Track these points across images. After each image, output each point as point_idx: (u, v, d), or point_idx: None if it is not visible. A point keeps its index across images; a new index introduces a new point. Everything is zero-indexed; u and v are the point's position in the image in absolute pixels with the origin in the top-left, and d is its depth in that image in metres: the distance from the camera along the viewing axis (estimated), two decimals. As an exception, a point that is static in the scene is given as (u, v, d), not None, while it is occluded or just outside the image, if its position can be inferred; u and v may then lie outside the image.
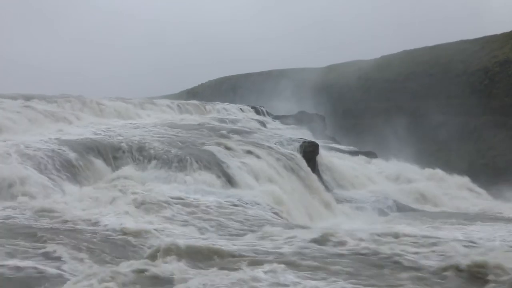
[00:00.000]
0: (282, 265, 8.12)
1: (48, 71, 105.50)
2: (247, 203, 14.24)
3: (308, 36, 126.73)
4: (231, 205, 13.78)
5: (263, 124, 32.75)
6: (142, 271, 7.75)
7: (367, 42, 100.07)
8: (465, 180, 28.04)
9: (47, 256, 8.55)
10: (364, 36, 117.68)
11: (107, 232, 10.25)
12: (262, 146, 20.39)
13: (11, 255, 8.34)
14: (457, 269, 7.95)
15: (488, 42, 42.23)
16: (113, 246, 9.42)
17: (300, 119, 37.76)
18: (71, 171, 15.10)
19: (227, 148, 19.05)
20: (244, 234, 11.13)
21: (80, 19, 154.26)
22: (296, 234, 10.41)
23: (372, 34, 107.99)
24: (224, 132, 22.81)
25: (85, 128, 21.04)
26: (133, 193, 13.63)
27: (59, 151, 15.71)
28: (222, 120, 30.08)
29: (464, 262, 8.15)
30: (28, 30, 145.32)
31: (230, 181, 16.60)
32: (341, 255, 9.05)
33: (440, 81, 41.15)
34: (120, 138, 18.70)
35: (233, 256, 8.84)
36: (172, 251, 8.86)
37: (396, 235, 10.64)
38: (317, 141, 24.42)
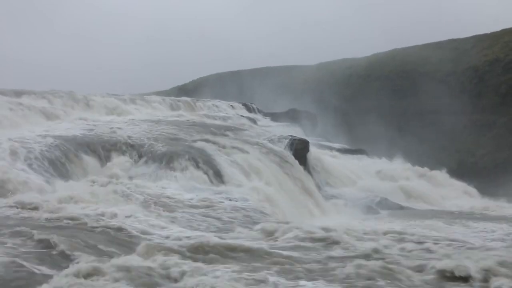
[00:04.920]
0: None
1: (41, 66, 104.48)
2: (236, 200, 14.28)
3: (298, 33, 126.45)
4: (220, 202, 13.82)
5: (254, 121, 32.74)
6: (131, 266, 7.77)
7: (356, 41, 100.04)
8: (455, 178, 28.24)
9: (36, 252, 8.53)
10: (353, 35, 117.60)
11: (95, 227, 10.24)
12: (252, 143, 20.42)
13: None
14: (443, 268, 8.00)
15: (478, 41, 42.44)
16: (102, 241, 9.42)
17: (291, 116, 37.79)
18: (61, 167, 15.09)
19: (218, 145, 19.07)
20: (233, 231, 11.18)
21: (75, 14, 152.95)
22: (285, 231, 10.49)
23: (361, 32, 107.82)
24: (214, 129, 22.81)
25: (75, 124, 20.96)
26: (123, 189, 13.63)
27: (49, 147, 15.68)
28: (213, 117, 30.02)
29: (448, 261, 8.21)
30: (21, 25, 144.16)
31: (220, 178, 16.63)
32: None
33: (430, 80, 41.31)
34: (111, 134, 18.66)
35: (221, 252, 8.90)
36: (161, 247, 8.89)
37: (382, 233, 10.72)
38: (308, 139, 24.47)
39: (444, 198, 24.39)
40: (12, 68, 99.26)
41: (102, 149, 16.99)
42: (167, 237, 9.98)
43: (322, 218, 16.31)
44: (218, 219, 12.31)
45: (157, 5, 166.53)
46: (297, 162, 20.30)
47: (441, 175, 27.95)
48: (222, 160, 17.63)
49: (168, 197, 13.58)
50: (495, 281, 7.40)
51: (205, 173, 16.57)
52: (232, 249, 9.19)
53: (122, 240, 9.73)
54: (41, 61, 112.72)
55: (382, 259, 8.68)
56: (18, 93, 24.26)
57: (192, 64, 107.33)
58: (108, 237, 9.76)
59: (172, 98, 36.83)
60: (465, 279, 7.67)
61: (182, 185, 15.13)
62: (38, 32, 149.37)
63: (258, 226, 11.21)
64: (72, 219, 10.73)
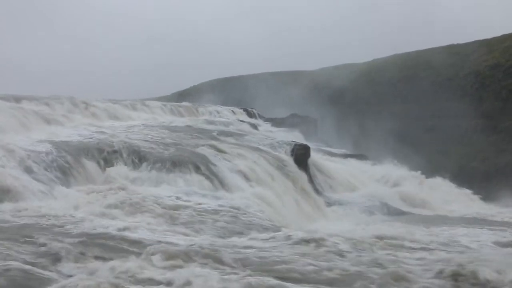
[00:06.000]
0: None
1: (40, 67, 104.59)
2: (238, 205, 14.25)
3: (298, 34, 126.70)
4: (221, 207, 13.80)
5: (254, 126, 32.71)
6: (134, 271, 7.79)
7: (357, 41, 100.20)
8: (457, 183, 28.20)
9: (39, 258, 8.53)
10: (353, 36, 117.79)
11: (98, 234, 10.22)
12: (253, 149, 20.41)
13: (3, 257, 8.29)
14: (443, 273, 7.99)
15: (479, 46, 42.46)
16: (105, 248, 9.40)
17: (292, 121, 37.76)
18: (62, 173, 15.05)
19: (219, 150, 19.06)
20: (233, 236, 11.17)
21: (75, 15, 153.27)
22: (283, 236, 10.48)
23: (361, 37, 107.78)
24: (215, 134, 22.80)
25: (76, 129, 20.94)
26: (124, 195, 13.61)
27: (50, 153, 15.65)
28: (213, 122, 29.99)
29: (451, 267, 8.20)
30: (21, 26, 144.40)
31: (221, 183, 16.61)
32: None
33: (431, 85, 41.30)
34: (112, 139, 18.61)
35: (222, 258, 8.89)
36: (164, 253, 8.88)
37: (383, 238, 10.70)
38: (309, 144, 24.45)
39: (445, 203, 24.33)
40: (11, 69, 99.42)
41: (103, 154, 16.95)
42: (168, 243, 9.96)
43: (323, 224, 16.26)
44: (219, 224, 12.29)
45: (157, 5, 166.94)
46: (298, 167, 20.27)
47: (442, 180, 27.88)
48: (223, 166, 17.62)
49: (168, 202, 13.56)
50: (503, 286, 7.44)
51: (206, 178, 16.54)
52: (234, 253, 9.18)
53: (123, 246, 9.71)
54: (41, 62, 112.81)
55: (388, 263, 8.68)
56: (19, 99, 24.25)
57: (192, 66, 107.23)
58: (110, 244, 9.74)
59: (173, 103, 36.85)
60: (474, 283, 7.69)
61: (183, 190, 15.11)
62: (38, 33, 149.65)
63: (259, 231, 11.21)
64: (71, 225, 10.71)
